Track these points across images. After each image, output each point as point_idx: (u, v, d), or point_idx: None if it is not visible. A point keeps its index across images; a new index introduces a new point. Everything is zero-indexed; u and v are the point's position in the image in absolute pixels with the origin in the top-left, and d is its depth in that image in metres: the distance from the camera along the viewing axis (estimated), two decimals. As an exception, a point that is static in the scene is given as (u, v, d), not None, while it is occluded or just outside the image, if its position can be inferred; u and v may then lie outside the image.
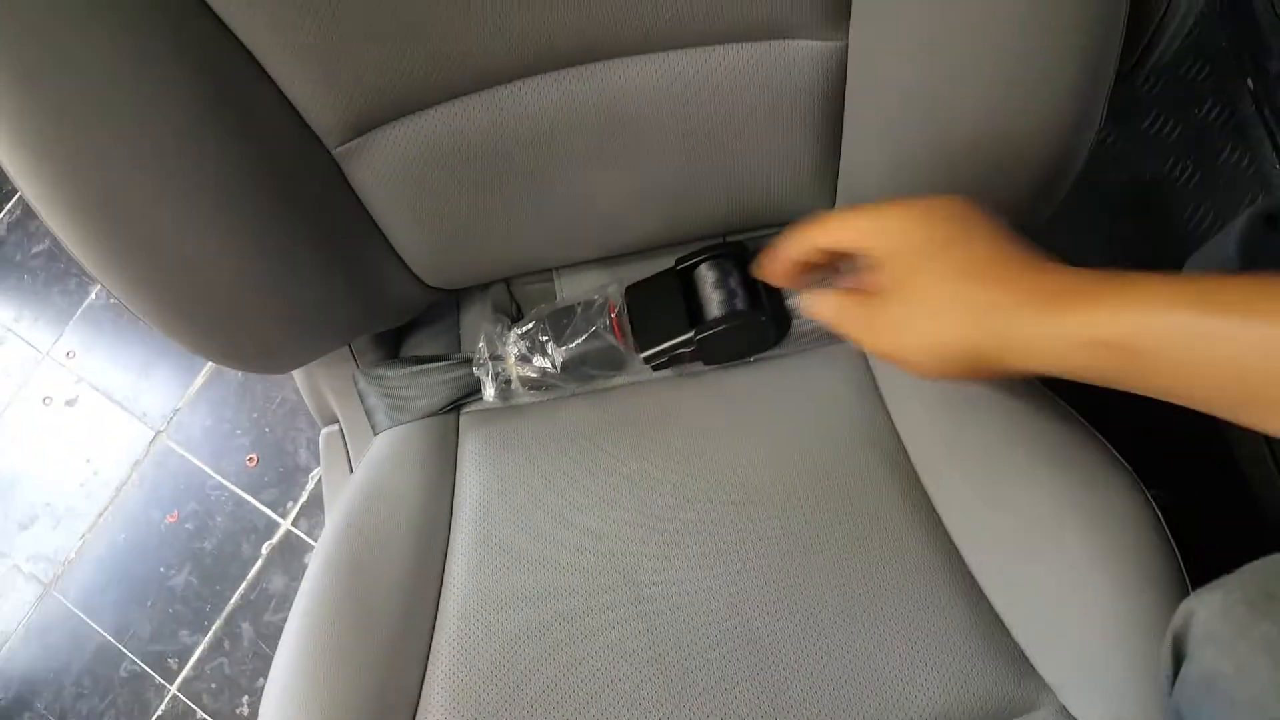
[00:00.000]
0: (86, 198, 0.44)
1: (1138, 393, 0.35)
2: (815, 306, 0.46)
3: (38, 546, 1.26)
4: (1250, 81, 0.99)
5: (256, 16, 0.43)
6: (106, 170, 0.44)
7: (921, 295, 0.39)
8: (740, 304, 0.59)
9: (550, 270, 0.68)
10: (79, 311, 1.36)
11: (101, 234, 0.46)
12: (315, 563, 0.58)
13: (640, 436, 0.60)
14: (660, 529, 0.56)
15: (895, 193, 0.55)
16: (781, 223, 0.65)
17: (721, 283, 0.60)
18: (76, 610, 1.22)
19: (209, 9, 0.42)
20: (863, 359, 0.61)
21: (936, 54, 0.45)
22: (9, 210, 1.44)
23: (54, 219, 0.45)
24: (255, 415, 1.25)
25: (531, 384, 0.61)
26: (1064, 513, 0.49)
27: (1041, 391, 0.55)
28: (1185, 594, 0.45)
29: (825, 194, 0.59)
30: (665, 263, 0.64)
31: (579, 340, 0.60)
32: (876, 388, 0.59)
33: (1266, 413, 0.32)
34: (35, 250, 1.41)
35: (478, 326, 0.68)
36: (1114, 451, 0.51)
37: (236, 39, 0.44)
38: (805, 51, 0.49)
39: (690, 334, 0.59)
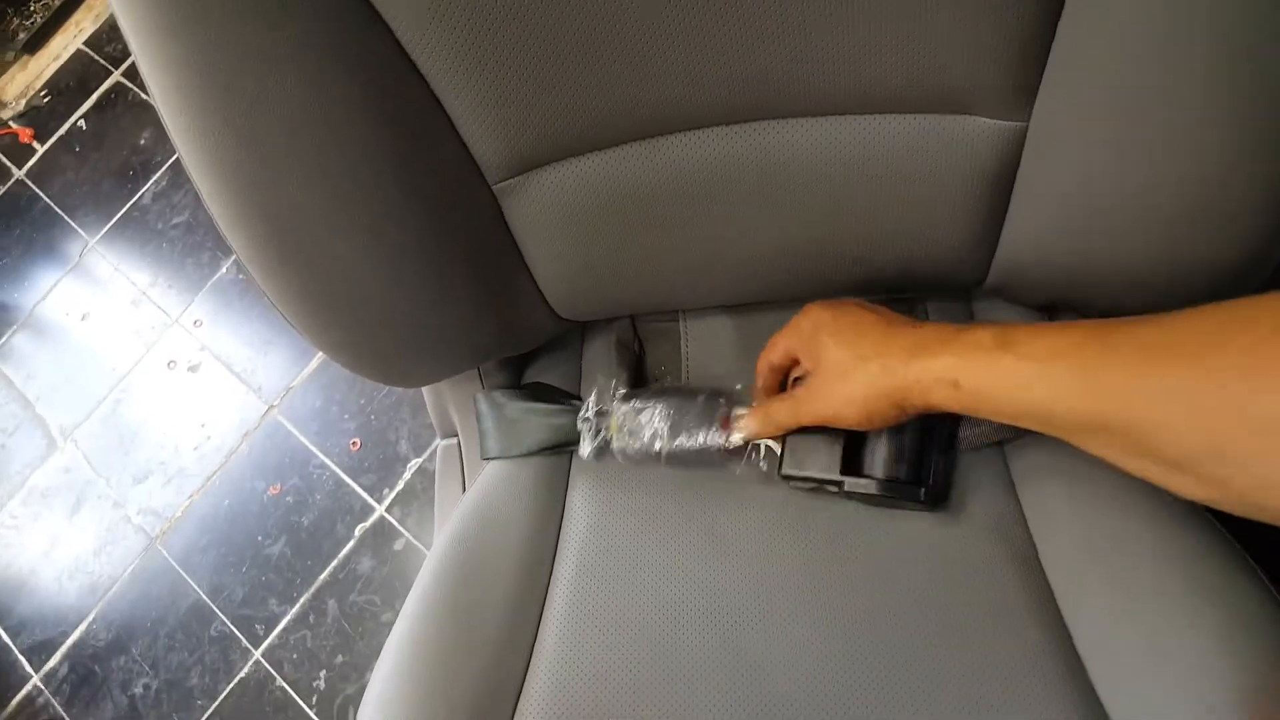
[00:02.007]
0: (260, 214, 0.47)
1: (992, 419, 0.43)
2: (744, 424, 0.56)
3: (149, 500, 1.33)
4: None
5: (441, 57, 0.44)
6: (280, 189, 0.46)
7: (828, 367, 0.49)
8: (904, 471, 0.53)
9: (677, 311, 0.68)
10: (210, 283, 1.44)
11: (269, 248, 0.48)
12: (424, 575, 0.60)
13: (752, 500, 0.59)
14: (765, 592, 0.56)
15: (1057, 271, 0.54)
16: (928, 289, 0.64)
17: (895, 434, 0.53)
18: (177, 566, 1.29)
19: (399, 46, 0.44)
20: (998, 449, 0.59)
21: (1126, 145, 0.43)
22: (155, 180, 1.52)
23: (229, 231, 0.48)
24: (363, 402, 1.29)
25: (629, 458, 0.60)
26: (1208, 651, 0.46)
27: (1199, 513, 0.52)
28: None
29: (979, 265, 0.57)
30: (790, 317, 0.63)
31: (691, 446, 0.58)
32: (1011, 481, 0.58)
33: (1073, 437, 0.40)
34: (175, 221, 1.49)
35: (600, 361, 0.69)
36: (1269, 586, 0.48)
37: (419, 74, 0.45)
38: (981, 129, 0.47)
39: (839, 479, 0.54)
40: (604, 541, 0.60)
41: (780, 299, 0.64)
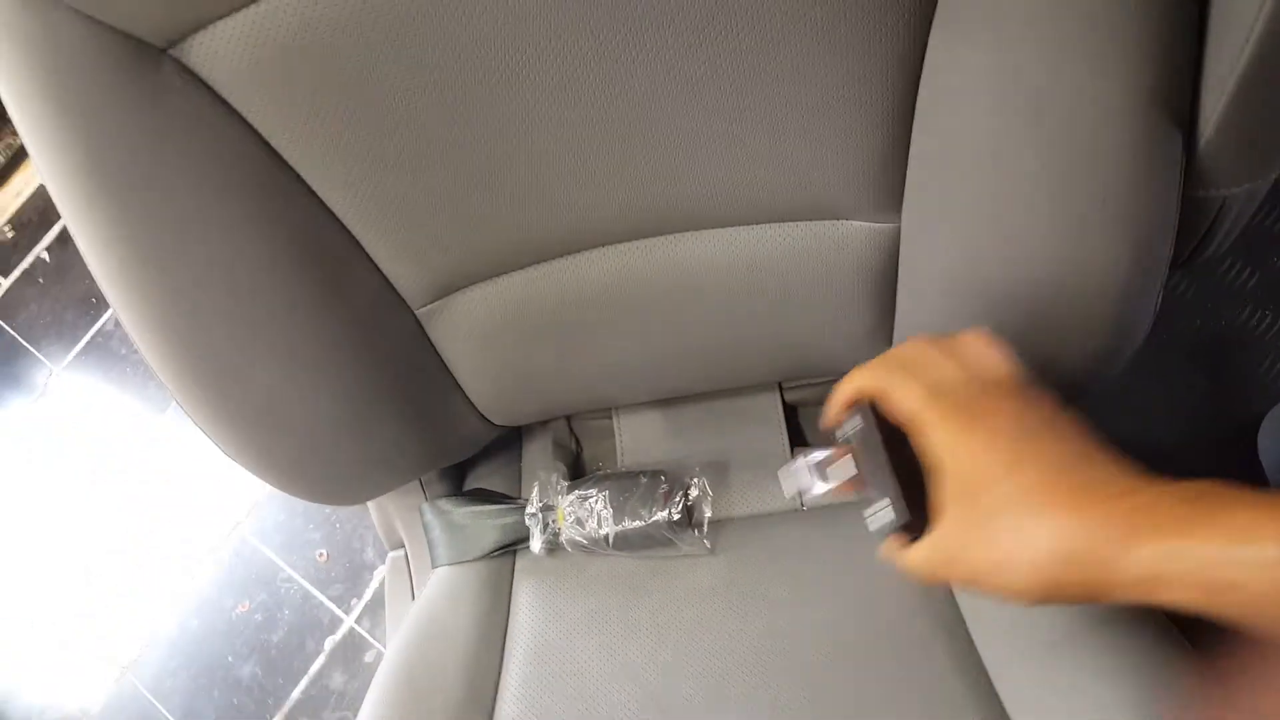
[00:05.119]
0: (178, 347, 0.48)
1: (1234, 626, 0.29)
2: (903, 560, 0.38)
3: (118, 626, 1.32)
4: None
5: (358, 212, 0.48)
6: (200, 323, 0.48)
7: (966, 483, 0.33)
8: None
9: (610, 409, 0.71)
10: (174, 404, 1.45)
11: (189, 378, 0.50)
12: (372, 691, 0.61)
13: (693, 587, 0.61)
14: (707, 681, 0.57)
15: None
16: (835, 374, 0.68)
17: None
18: (149, 694, 1.26)
19: (319, 199, 0.47)
20: None
21: (987, 242, 0.48)
22: (119, 305, 1.55)
23: (152, 362, 0.50)
24: (328, 511, 1.30)
25: (579, 547, 0.63)
26: (1128, 710, 0.48)
27: None
28: None
29: (879, 350, 0.60)
30: (719, 406, 0.67)
31: (636, 524, 0.62)
32: None
33: None
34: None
35: (539, 461, 0.71)
36: (1185, 641, 0.50)
37: (339, 222, 0.49)
38: (859, 231, 0.52)
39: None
40: (550, 645, 0.61)
41: (703, 390, 0.68)
